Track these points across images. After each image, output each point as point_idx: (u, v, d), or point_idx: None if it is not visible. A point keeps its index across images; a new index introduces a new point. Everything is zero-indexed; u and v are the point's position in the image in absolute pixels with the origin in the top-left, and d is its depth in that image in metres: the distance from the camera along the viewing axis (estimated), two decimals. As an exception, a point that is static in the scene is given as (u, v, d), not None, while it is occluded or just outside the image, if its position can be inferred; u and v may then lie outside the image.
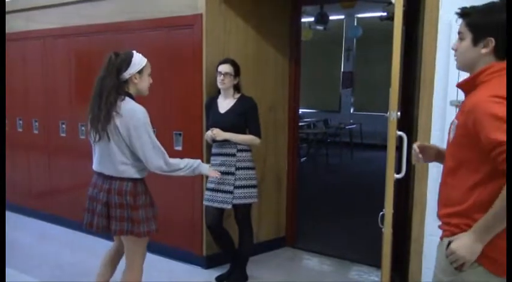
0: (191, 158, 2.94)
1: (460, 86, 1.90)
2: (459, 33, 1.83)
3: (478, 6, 1.79)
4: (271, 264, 4.26)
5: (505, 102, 1.62)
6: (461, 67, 1.88)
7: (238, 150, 3.60)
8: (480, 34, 1.75)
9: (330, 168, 8.92)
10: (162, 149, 2.78)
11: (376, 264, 3.86)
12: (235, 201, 3.58)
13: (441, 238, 1.88)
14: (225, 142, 3.59)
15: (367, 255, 4.27)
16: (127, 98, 2.75)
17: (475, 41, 1.77)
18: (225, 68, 3.61)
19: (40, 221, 5.37)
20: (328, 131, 10.30)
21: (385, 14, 8.89)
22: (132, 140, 2.71)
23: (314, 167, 8.98)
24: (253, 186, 3.66)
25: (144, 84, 2.83)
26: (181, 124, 4.10)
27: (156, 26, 4.16)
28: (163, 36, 4.14)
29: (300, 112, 5.18)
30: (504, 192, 1.61)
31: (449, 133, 1.92)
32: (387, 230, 2.87)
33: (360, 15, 11.69)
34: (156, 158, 2.74)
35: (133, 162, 2.78)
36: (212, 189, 3.63)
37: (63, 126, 5.04)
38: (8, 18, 5.32)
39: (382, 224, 2.87)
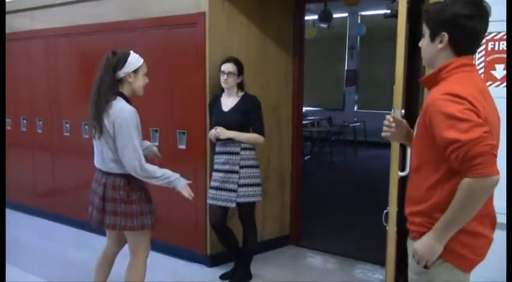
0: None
1: (423, 82, 1.94)
2: (422, 30, 1.88)
3: (437, 3, 1.84)
4: (275, 262, 4.26)
5: (458, 99, 1.64)
6: (426, 63, 1.93)
7: (242, 149, 3.59)
8: (435, 30, 1.79)
9: (334, 167, 8.90)
10: (141, 154, 2.76)
11: (381, 262, 3.85)
12: (239, 200, 3.58)
13: (410, 238, 1.91)
14: (229, 140, 3.58)
15: (371, 253, 4.26)
16: (119, 98, 2.78)
17: (432, 37, 1.81)
18: (228, 67, 3.60)
19: (45, 220, 5.39)
20: (332, 129, 10.28)
21: (389, 11, 8.84)
22: (115, 137, 2.74)
23: (318, 166, 8.97)
24: (257, 185, 3.66)
25: (138, 84, 2.85)
26: (185, 123, 4.10)
27: (159, 25, 4.16)
28: (166, 34, 4.13)
29: (303, 110, 5.17)
30: (460, 191, 1.63)
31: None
32: (391, 228, 2.86)
33: (363, 13, 11.67)
34: (132, 159, 2.74)
35: (119, 159, 2.80)
36: (216, 188, 3.63)
37: (67, 125, 5.05)
38: (13, 17, 5.35)
39: (386, 222, 2.86)
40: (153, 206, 2.94)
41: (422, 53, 1.90)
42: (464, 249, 1.76)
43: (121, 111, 2.73)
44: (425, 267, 1.79)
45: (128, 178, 2.82)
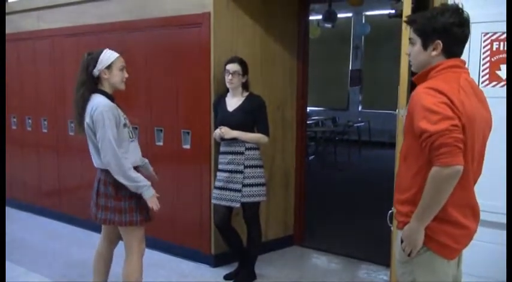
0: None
1: (415, 80, 2.05)
2: (410, 39, 1.99)
3: (422, 13, 1.95)
4: (280, 262, 4.26)
5: (436, 93, 1.77)
6: (416, 69, 2.03)
7: (247, 149, 3.59)
8: (428, 38, 1.91)
9: (338, 167, 8.89)
10: (114, 146, 2.75)
11: (385, 262, 3.85)
12: (244, 200, 3.58)
13: (397, 228, 2.03)
14: (234, 140, 3.59)
15: (375, 253, 4.25)
16: (96, 94, 2.85)
17: (425, 45, 1.92)
18: (233, 67, 3.60)
19: (49, 219, 5.40)
20: (336, 129, 10.26)
21: (393, 11, 8.83)
22: (95, 132, 2.81)
23: (322, 165, 8.96)
24: (262, 185, 3.66)
25: (115, 78, 2.90)
26: (189, 122, 4.11)
27: (164, 25, 4.17)
28: (171, 34, 4.14)
29: (307, 110, 5.17)
30: (428, 179, 1.77)
31: None
32: (396, 229, 2.86)
33: (368, 13, 11.64)
34: (106, 154, 2.76)
35: None
36: (220, 188, 3.63)
37: (72, 125, 5.06)
38: (19, 17, 5.37)
39: (391, 222, 2.86)
40: (143, 201, 2.94)
41: (412, 59, 2.00)
42: (447, 238, 1.88)
43: (97, 106, 2.79)
44: (410, 255, 1.92)
45: None
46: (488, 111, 1.97)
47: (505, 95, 2.76)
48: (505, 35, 2.76)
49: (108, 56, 2.88)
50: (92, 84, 2.87)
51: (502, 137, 2.71)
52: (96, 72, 2.85)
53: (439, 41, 1.87)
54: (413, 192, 1.88)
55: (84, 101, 2.84)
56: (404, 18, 2.06)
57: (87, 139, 2.94)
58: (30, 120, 5.53)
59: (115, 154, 2.76)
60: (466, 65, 2.83)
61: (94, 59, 2.85)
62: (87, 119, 2.82)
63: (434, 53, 1.90)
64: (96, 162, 2.94)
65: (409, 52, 2.02)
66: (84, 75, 2.87)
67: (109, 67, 2.87)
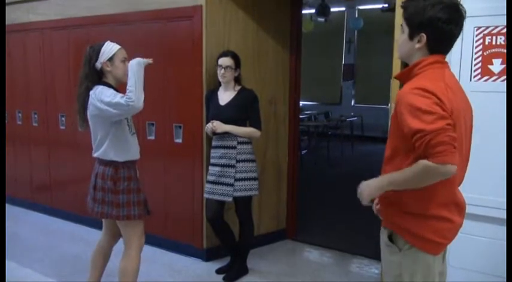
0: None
1: (398, 77, 2.05)
2: (401, 25, 1.96)
3: (417, 1, 1.89)
4: (272, 256, 4.26)
5: (426, 94, 1.74)
6: (400, 57, 2.03)
7: (239, 143, 3.58)
8: (414, 29, 1.88)
9: (331, 161, 8.90)
10: (120, 97, 2.72)
11: (377, 256, 3.85)
12: (236, 194, 3.58)
13: (382, 225, 2.04)
14: (226, 134, 3.57)
15: (367, 247, 4.26)
16: (97, 86, 2.84)
17: (411, 36, 1.90)
18: (225, 61, 3.58)
19: (41, 214, 5.38)
20: (329, 123, 10.26)
21: (386, 5, 8.84)
22: (102, 114, 2.77)
23: (315, 160, 8.97)
24: (254, 179, 3.65)
25: (118, 71, 2.89)
26: (181, 117, 4.09)
27: (156, 18, 4.13)
28: (162, 27, 4.11)
29: (300, 105, 5.16)
30: (416, 167, 1.74)
31: None
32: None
33: (361, 7, 11.64)
34: (125, 105, 2.69)
35: (109, 144, 2.84)
36: (213, 182, 3.62)
37: (63, 118, 5.03)
38: (9, 9, 5.30)
39: (383, 216, 2.86)
40: (141, 196, 2.95)
41: (398, 47, 1.99)
42: (433, 234, 1.88)
43: (97, 92, 2.79)
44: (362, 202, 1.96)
45: (116, 167, 2.86)
46: (470, 105, 1.96)
47: (498, 89, 2.77)
48: (497, 29, 2.76)
49: (110, 48, 2.87)
50: (95, 77, 2.86)
51: (495, 131, 2.71)
52: (98, 65, 2.85)
53: (424, 35, 1.84)
54: (399, 192, 1.86)
55: (87, 94, 2.83)
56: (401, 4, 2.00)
57: (90, 131, 2.92)
58: (20, 114, 5.48)
59: (127, 100, 2.68)
60: (458, 59, 2.86)
61: (96, 52, 2.84)
62: (92, 107, 2.79)
63: (418, 45, 1.87)
64: (95, 152, 2.91)
65: (397, 38, 2.02)
66: (87, 68, 2.86)
67: (111, 59, 2.86)
